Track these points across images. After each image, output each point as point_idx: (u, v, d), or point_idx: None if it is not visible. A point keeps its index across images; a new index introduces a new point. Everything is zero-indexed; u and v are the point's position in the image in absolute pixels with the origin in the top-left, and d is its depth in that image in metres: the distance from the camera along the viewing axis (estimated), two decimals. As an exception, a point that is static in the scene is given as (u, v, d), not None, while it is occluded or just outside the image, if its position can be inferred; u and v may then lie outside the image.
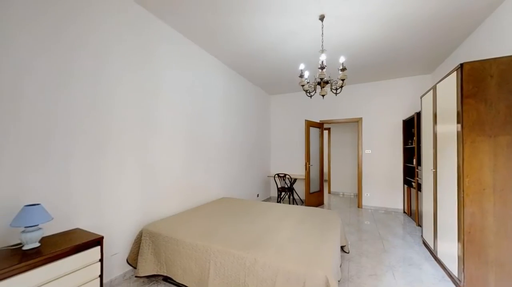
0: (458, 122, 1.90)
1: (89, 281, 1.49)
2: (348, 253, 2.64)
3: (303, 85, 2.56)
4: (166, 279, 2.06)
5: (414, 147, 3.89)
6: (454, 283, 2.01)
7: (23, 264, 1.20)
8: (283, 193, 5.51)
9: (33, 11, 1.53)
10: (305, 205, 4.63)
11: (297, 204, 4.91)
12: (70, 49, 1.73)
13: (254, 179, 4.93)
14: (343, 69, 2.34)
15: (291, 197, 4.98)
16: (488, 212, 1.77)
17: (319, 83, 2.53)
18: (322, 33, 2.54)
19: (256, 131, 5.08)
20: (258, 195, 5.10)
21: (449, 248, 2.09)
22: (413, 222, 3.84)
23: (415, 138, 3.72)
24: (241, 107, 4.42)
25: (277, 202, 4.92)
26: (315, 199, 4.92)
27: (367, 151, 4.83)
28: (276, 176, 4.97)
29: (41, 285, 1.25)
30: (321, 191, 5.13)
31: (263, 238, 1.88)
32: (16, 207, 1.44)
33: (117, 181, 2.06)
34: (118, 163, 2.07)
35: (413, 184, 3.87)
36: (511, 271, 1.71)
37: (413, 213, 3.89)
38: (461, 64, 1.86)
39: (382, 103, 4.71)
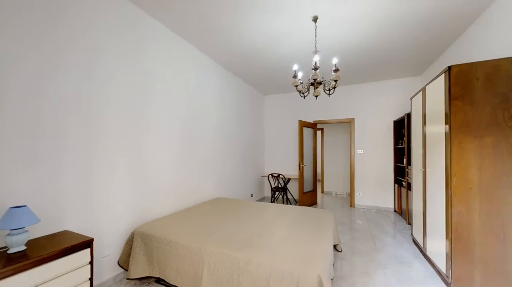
0: (446, 123, 1.96)
1: (79, 285, 1.45)
2: (340, 251, 2.68)
3: (296, 86, 2.57)
4: (159, 280, 2.03)
5: (404, 147, 3.98)
6: (443, 280, 2.07)
7: (8, 268, 1.16)
8: (277, 193, 5.54)
9: (15, 8, 1.48)
10: (299, 205, 4.67)
11: (291, 204, 4.94)
12: (59, 46, 1.68)
13: (248, 179, 4.93)
14: (336, 70, 2.37)
15: (285, 196, 5.00)
16: (474, 210, 1.83)
17: (312, 84, 2.55)
18: (316, 34, 2.56)
19: (250, 131, 5.08)
20: (252, 195, 5.10)
21: (437, 246, 2.16)
22: (403, 220, 3.94)
23: (405, 138, 3.81)
24: (235, 107, 4.41)
25: (271, 201, 4.94)
26: (309, 199, 4.97)
27: (359, 151, 4.91)
28: (270, 176, 4.98)
29: (28, 290, 1.21)
30: (314, 190, 5.18)
31: (257, 238, 1.88)
32: (1, 209, 1.39)
33: (109, 182, 2.02)
34: (110, 163, 2.03)
35: (404, 183, 3.96)
36: (496, 267, 1.77)
37: (403, 212, 3.99)
38: (449, 67, 1.92)
39: (374, 104, 4.79)
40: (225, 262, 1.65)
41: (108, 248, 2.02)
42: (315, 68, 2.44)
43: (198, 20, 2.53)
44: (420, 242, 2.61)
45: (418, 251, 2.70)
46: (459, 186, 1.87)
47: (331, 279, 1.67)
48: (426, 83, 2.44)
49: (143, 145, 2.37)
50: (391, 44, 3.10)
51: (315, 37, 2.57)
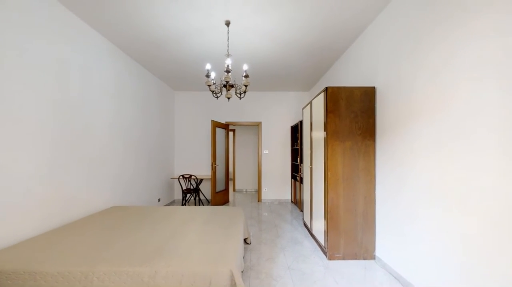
0: (324, 130, 2.56)
1: None
2: (250, 244, 2.91)
3: (209, 86, 2.57)
4: (15, 333, 1.46)
5: (298, 148, 4.84)
6: (322, 251, 2.69)
7: None
8: (188, 195, 5.29)
9: None
10: (212, 205, 4.67)
11: (203, 205, 4.86)
12: None
13: (154, 182, 4.42)
14: (246, 76, 2.56)
15: (197, 198, 4.86)
16: (340, 195, 2.49)
17: (225, 86, 2.63)
18: (228, 38, 2.66)
19: (158, 129, 4.59)
20: (159, 200, 4.62)
21: (319, 226, 2.77)
22: (297, 208, 4.78)
23: (299, 141, 4.64)
24: (139, 101, 3.86)
25: (182, 204, 4.67)
26: (221, 198, 5.07)
27: (265, 151, 5.52)
28: (181, 177, 4.69)
29: None
30: (226, 189, 5.34)
31: (166, 246, 1.73)
32: None
33: None
34: None
35: (297, 178, 4.81)
36: (351, 235, 2.49)
37: (297, 202, 4.84)
38: (326, 88, 2.52)
39: (277, 111, 5.54)
40: (124, 281, 1.41)
41: None
42: (228, 71, 2.52)
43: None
44: (309, 224, 3.26)
45: (307, 232, 3.36)
46: (332, 178, 2.49)
47: (242, 271, 1.78)
48: (312, 98, 3.07)
49: (-15, 143, 1.63)
50: (288, 62, 3.69)
51: (228, 41, 2.67)
